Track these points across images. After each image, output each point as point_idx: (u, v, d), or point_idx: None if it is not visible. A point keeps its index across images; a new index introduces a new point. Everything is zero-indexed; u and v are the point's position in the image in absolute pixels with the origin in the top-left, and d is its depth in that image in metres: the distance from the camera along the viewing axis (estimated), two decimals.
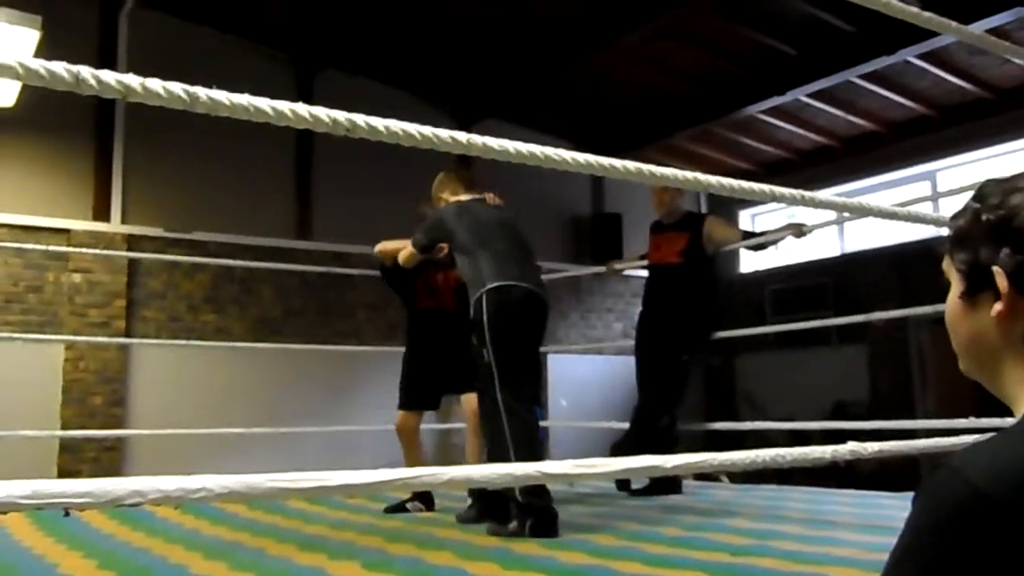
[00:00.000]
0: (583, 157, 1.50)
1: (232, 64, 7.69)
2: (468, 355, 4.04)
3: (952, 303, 1.04)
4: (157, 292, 8.02)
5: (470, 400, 4.32)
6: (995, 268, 0.96)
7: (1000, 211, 0.97)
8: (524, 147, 1.41)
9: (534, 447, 3.63)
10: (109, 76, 1.14)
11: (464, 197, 4.24)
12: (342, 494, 3.89)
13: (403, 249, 4.37)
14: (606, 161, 1.51)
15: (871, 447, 1.91)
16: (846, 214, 7.68)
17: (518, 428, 3.56)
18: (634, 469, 1.55)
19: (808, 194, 1.75)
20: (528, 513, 3.43)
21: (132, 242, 7.85)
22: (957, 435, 2.77)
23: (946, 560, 0.81)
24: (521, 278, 3.81)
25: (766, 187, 1.67)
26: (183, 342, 7.60)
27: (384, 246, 4.77)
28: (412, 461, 4.42)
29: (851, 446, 1.88)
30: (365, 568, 2.81)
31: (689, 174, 1.56)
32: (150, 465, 7.16)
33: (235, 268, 7.88)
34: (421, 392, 4.53)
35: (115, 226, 7.82)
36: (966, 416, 3.91)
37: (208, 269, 8.07)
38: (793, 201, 1.73)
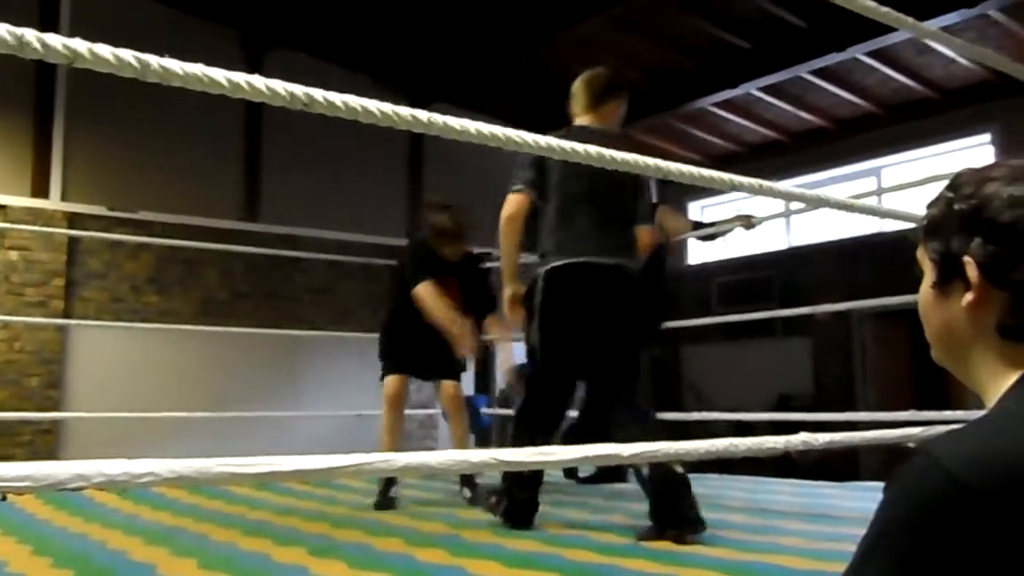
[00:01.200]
0: (545, 140, 1.47)
1: (181, 41, 7.48)
2: (449, 345, 4.05)
3: (924, 292, 1.04)
4: (98, 272, 7.84)
5: (447, 387, 4.33)
6: (966, 258, 0.96)
7: (972, 201, 0.97)
8: (485, 128, 1.38)
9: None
10: (55, 40, 1.08)
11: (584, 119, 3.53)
12: (295, 480, 3.81)
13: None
14: (568, 145, 1.49)
15: (823, 438, 1.92)
16: (793, 208, 7.79)
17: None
18: (592, 457, 1.54)
19: (768, 184, 1.74)
20: (507, 499, 3.38)
21: (73, 220, 7.65)
22: (899, 427, 2.82)
23: (922, 550, 0.80)
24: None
25: (726, 176, 1.66)
26: (124, 324, 7.44)
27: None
28: (390, 435, 4.25)
29: (803, 436, 1.88)
30: (311, 554, 2.76)
31: (650, 160, 1.55)
32: (87, 449, 7.00)
33: (180, 249, 7.73)
34: (404, 357, 4.39)
35: (55, 203, 7.63)
36: (906, 409, 3.98)
37: (152, 249, 7.91)
38: (753, 190, 1.73)
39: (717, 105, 9.12)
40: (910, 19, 2.30)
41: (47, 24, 7.27)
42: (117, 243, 7.69)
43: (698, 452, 1.74)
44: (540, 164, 3.25)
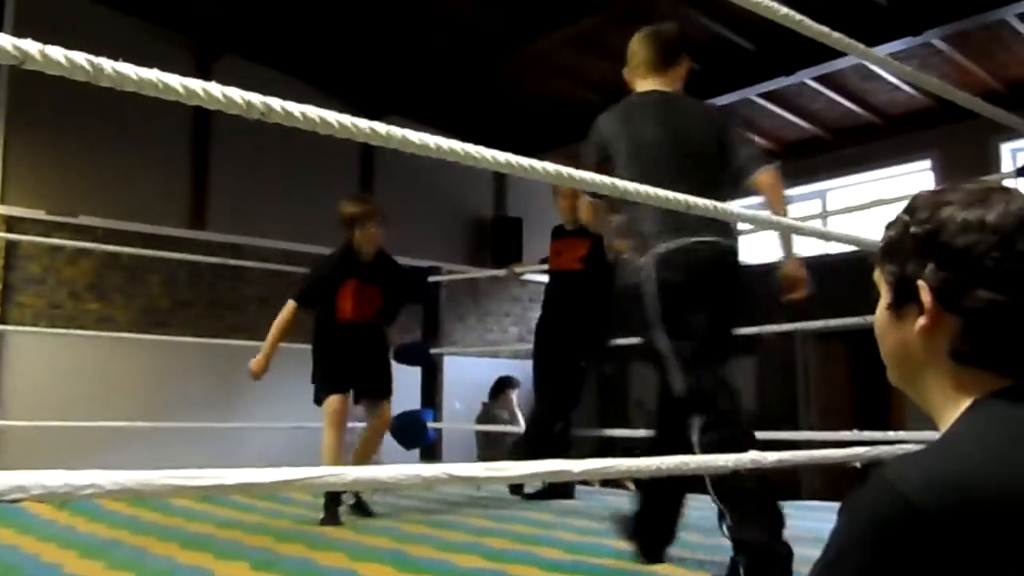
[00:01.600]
0: (503, 156, 1.47)
1: (128, 46, 7.32)
2: (386, 364, 4.02)
3: (880, 314, 1.04)
4: (36, 277, 7.65)
5: (386, 409, 4.36)
6: (920, 283, 0.96)
7: (927, 225, 0.97)
8: (444, 142, 1.37)
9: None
10: (5, 40, 1.05)
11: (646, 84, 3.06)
12: (241, 493, 3.74)
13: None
14: (525, 162, 1.49)
15: (771, 456, 1.94)
16: (740, 229, 7.86)
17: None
18: (542, 473, 1.53)
19: (721, 205, 1.76)
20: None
21: (11, 223, 7.46)
22: (840, 447, 2.86)
23: (877, 572, 0.81)
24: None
25: (682, 196, 1.67)
26: (62, 331, 7.26)
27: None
28: (333, 456, 4.14)
29: (752, 455, 1.90)
30: (253, 569, 2.72)
31: (607, 179, 1.56)
32: (22, 459, 6.78)
33: (122, 255, 7.58)
34: (343, 375, 4.32)
35: None
36: (847, 428, 4.05)
37: (93, 255, 7.74)
38: (706, 211, 1.75)
39: None
40: (861, 45, 2.36)
41: None
42: (56, 248, 7.51)
43: (649, 469, 1.75)
44: (602, 143, 2.93)
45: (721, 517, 2.57)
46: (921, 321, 0.97)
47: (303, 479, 1.35)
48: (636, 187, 1.68)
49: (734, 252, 2.89)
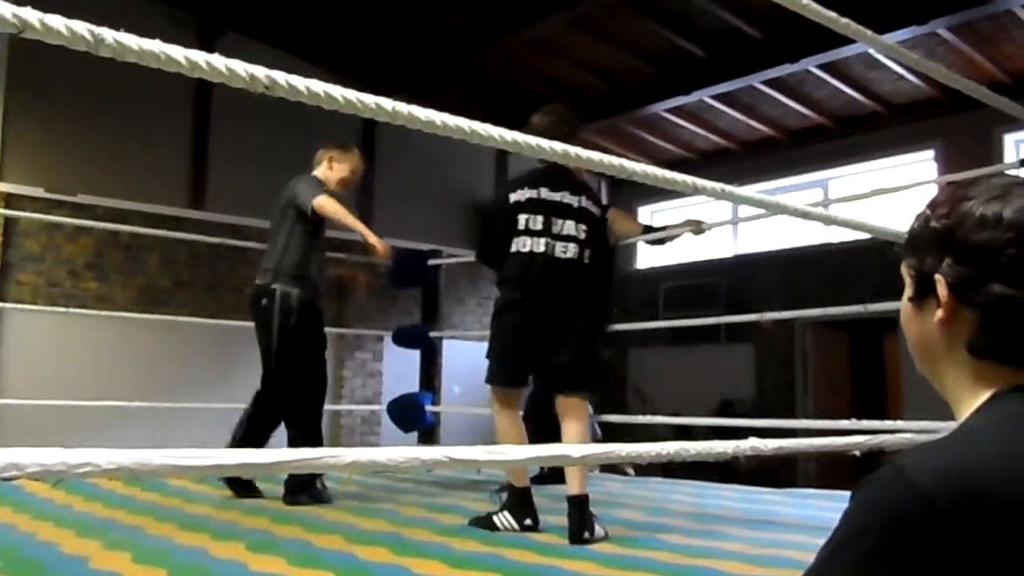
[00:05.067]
0: (510, 135, 1.45)
1: (131, 23, 7.24)
2: None
3: (904, 305, 1.06)
4: (35, 255, 7.63)
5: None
6: (937, 276, 0.98)
7: (946, 220, 0.99)
8: (451, 120, 1.35)
9: None
10: (4, 8, 1.03)
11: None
12: (240, 473, 3.72)
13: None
14: (533, 141, 1.47)
15: (771, 444, 1.93)
16: (742, 215, 7.87)
17: None
18: (542, 457, 1.52)
19: (729, 188, 1.75)
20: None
21: (10, 200, 7.43)
22: (838, 435, 2.85)
23: (884, 559, 0.81)
24: None
25: (689, 179, 1.65)
26: (61, 309, 7.24)
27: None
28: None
29: (752, 442, 1.89)
30: (250, 550, 2.70)
31: (615, 159, 1.54)
32: (20, 438, 6.79)
33: (121, 234, 7.55)
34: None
35: None
36: (844, 417, 4.04)
37: (92, 233, 7.72)
38: (715, 194, 1.73)
39: (670, 111, 9.18)
40: (869, 32, 2.33)
41: None
42: (56, 226, 7.49)
43: (648, 455, 1.74)
44: None
45: None
46: (939, 314, 0.99)
47: (300, 460, 1.33)
48: (655, 170, 1.66)
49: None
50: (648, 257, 10.94)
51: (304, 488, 3.95)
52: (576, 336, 3.41)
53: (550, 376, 3.56)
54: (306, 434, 4.12)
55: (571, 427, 3.38)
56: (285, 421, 4.21)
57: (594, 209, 3.58)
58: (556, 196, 3.49)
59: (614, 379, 10.76)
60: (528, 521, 3.27)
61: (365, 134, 9.40)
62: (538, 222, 3.45)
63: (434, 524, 3.37)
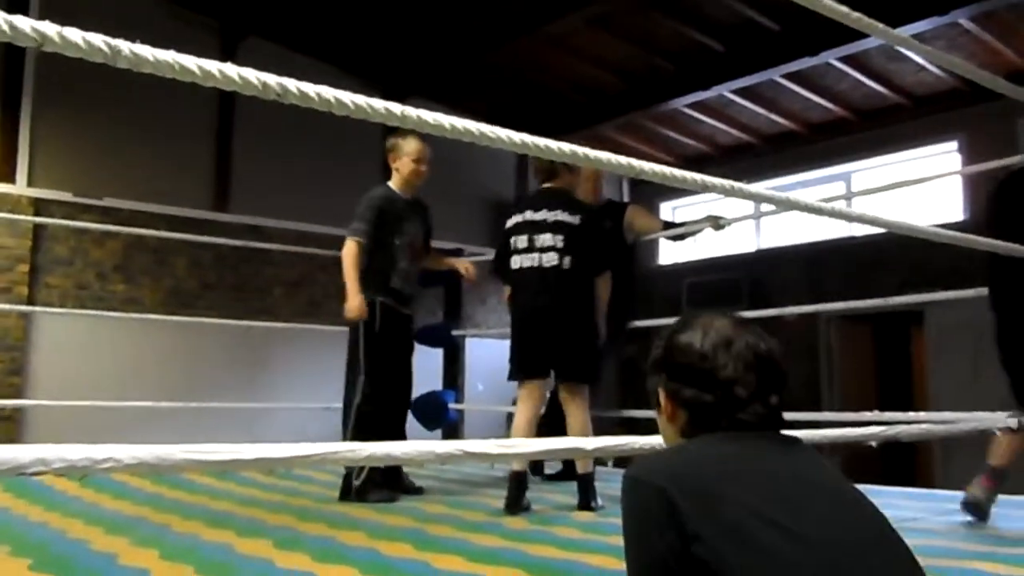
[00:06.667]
0: (519, 137, 1.47)
1: (154, 29, 7.41)
2: None
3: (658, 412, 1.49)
4: (64, 258, 7.74)
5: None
6: (659, 389, 1.45)
7: (662, 348, 1.46)
8: (459, 122, 1.38)
9: None
10: (24, 22, 1.07)
11: None
12: (257, 468, 3.78)
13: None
14: (541, 142, 1.49)
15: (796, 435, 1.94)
16: (763, 210, 7.84)
17: None
18: (555, 451, 1.55)
19: (739, 185, 1.76)
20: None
21: (39, 206, 7.54)
22: (863, 427, 2.85)
23: (646, 535, 1.20)
24: None
25: (699, 176, 1.67)
26: (90, 311, 7.34)
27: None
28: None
29: None
30: (276, 547, 2.75)
31: (623, 159, 1.56)
32: (49, 438, 6.85)
33: (148, 237, 7.65)
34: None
35: (21, 188, 7.51)
36: (870, 410, 4.03)
37: (120, 237, 7.82)
38: (724, 191, 1.74)
39: (690, 106, 9.17)
40: (881, 25, 2.33)
41: (15, 7, 7.16)
42: (83, 230, 7.59)
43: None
44: None
45: None
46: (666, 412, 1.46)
47: (319, 454, 1.37)
48: (663, 169, 1.68)
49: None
50: (670, 253, 10.92)
51: (377, 486, 4.03)
52: (566, 331, 3.97)
53: (552, 367, 4.07)
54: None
55: (571, 417, 3.99)
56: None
57: (569, 219, 4.00)
58: (537, 216, 4.04)
59: (638, 375, 10.75)
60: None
61: (386, 134, 9.45)
62: (524, 241, 4.05)
63: (457, 520, 3.41)
